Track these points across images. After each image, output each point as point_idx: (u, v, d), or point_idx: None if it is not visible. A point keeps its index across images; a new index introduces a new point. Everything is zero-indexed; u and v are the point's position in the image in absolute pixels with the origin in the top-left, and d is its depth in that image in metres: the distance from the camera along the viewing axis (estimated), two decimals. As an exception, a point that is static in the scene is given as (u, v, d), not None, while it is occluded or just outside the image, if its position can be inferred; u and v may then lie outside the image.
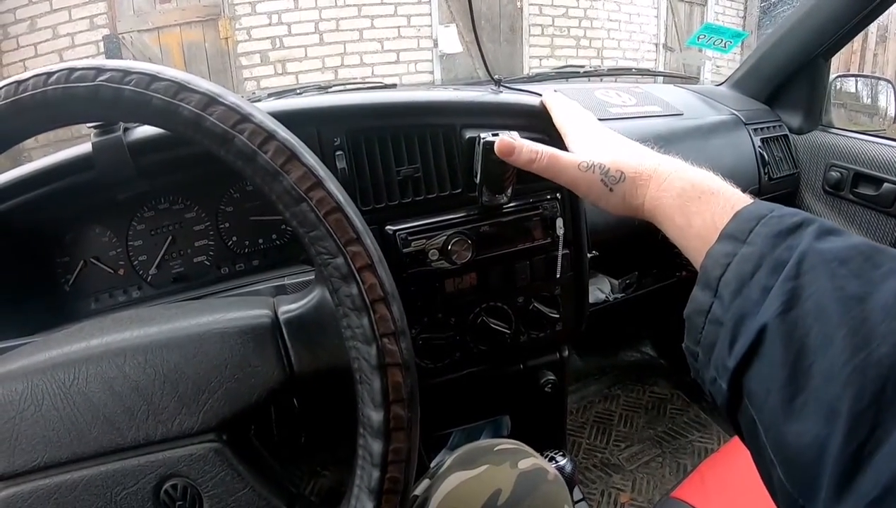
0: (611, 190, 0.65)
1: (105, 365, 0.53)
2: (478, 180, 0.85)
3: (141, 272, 0.91)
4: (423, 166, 0.89)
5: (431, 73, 5.81)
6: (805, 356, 0.40)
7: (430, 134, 0.89)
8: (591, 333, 1.08)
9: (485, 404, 1.14)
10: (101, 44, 4.90)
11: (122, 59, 4.58)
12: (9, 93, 0.51)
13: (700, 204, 0.55)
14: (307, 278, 0.72)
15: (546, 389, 1.08)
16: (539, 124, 0.87)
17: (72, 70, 0.50)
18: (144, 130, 0.79)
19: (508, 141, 0.73)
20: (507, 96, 0.95)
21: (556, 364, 1.10)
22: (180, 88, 0.50)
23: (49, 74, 0.51)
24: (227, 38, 5.19)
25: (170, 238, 0.91)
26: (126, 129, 0.78)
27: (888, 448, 0.34)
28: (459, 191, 0.91)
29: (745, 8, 7.77)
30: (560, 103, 0.83)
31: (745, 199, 0.54)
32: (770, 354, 0.42)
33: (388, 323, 0.50)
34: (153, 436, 0.52)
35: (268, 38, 5.32)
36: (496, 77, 1.01)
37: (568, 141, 0.75)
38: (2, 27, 4.81)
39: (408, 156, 0.89)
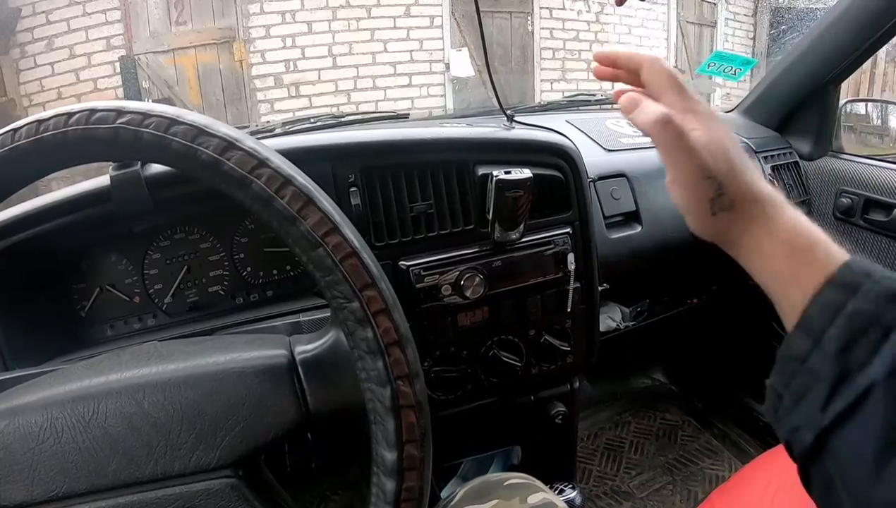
0: (714, 214, 0.54)
1: (124, 401, 0.53)
2: (490, 216, 0.86)
3: (156, 300, 0.92)
4: (437, 202, 0.90)
5: (444, 96, 5.86)
6: None
7: (443, 170, 0.90)
8: (603, 360, 1.08)
9: (495, 434, 1.14)
10: (118, 64, 4.95)
11: (137, 80, 4.65)
12: (30, 133, 0.52)
13: (808, 256, 0.50)
14: (322, 316, 0.72)
15: (556, 420, 1.08)
16: (552, 161, 0.88)
17: (92, 111, 0.51)
18: (160, 166, 0.80)
19: (632, 95, 0.56)
20: (519, 132, 0.96)
21: (566, 395, 1.10)
22: (199, 133, 0.51)
23: (70, 115, 0.51)
24: (241, 61, 5.24)
25: (185, 267, 0.92)
26: (144, 164, 0.79)
27: None
28: (472, 226, 0.92)
29: (755, 31, 7.78)
30: (653, 66, 0.58)
31: (845, 252, 0.50)
32: (869, 417, 0.41)
33: (402, 365, 0.50)
34: (171, 471, 0.53)
35: (282, 60, 5.37)
36: (508, 112, 1.02)
37: (684, 118, 0.55)
38: (20, 46, 4.87)
39: (421, 193, 0.90)
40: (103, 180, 0.79)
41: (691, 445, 2.04)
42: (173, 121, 0.51)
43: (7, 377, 0.75)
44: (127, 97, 4.64)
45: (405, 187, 0.89)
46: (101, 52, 4.98)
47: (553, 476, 1.00)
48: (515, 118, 1.03)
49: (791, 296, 0.50)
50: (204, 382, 0.54)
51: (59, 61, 4.94)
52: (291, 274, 0.95)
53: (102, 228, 0.86)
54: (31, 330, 0.86)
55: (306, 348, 0.57)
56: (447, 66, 5.79)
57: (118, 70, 4.95)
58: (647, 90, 0.58)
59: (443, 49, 5.82)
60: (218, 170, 0.51)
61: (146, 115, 0.51)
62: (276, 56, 5.35)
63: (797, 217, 0.53)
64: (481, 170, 0.90)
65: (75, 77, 4.94)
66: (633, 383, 2.35)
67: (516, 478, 0.81)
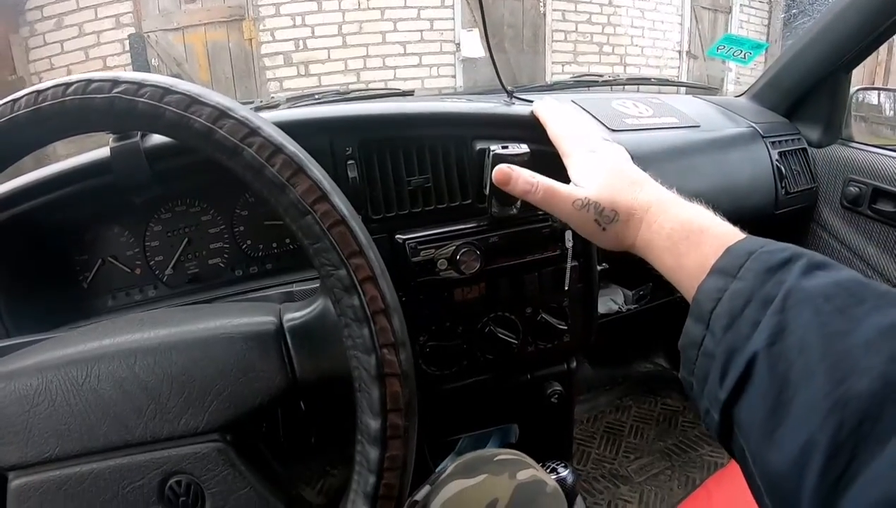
0: (604, 229, 0.66)
1: (116, 365, 0.55)
2: (487, 191, 0.86)
3: (157, 272, 0.93)
4: (434, 176, 0.90)
5: (454, 77, 5.82)
6: (787, 388, 0.41)
7: (441, 145, 0.90)
8: (604, 344, 1.08)
9: (492, 412, 1.15)
10: (127, 42, 4.95)
11: (146, 57, 4.65)
12: (29, 102, 0.53)
13: (689, 243, 0.57)
14: (314, 286, 0.73)
15: (552, 399, 1.08)
16: (549, 137, 0.87)
17: (89, 81, 0.52)
18: (162, 137, 0.80)
19: (506, 170, 0.71)
20: (518, 108, 0.95)
21: (563, 375, 1.10)
22: (192, 101, 0.51)
23: (67, 85, 0.52)
24: (250, 40, 5.23)
25: (186, 240, 0.93)
26: (143, 135, 0.79)
27: (863, 480, 0.35)
28: (469, 201, 0.92)
29: (770, 17, 7.70)
30: (555, 116, 0.82)
31: (736, 235, 0.55)
32: (757, 386, 0.44)
33: (388, 334, 0.51)
34: (160, 434, 0.54)
35: (291, 39, 5.35)
36: (509, 88, 1.02)
37: (566, 162, 0.74)
38: (29, 24, 4.89)
39: (419, 167, 0.90)
40: (103, 152, 0.79)
41: (691, 431, 2.05)
42: (167, 91, 0.52)
43: (6, 344, 0.76)
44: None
45: (403, 161, 0.89)
46: (110, 29, 4.99)
47: (549, 455, 1.00)
48: (519, 95, 1.02)
49: (684, 285, 0.57)
50: (193, 347, 0.55)
51: (68, 39, 4.96)
52: (290, 247, 0.96)
53: (103, 200, 0.87)
54: (34, 301, 0.87)
55: (294, 315, 0.58)
56: (457, 46, 5.75)
57: (127, 48, 4.94)
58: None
59: (453, 29, 5.78)
60: (210, 138, 0.51)
61: (141, 85, 0.52)
62: (285, 34, 5.33)
63: (682, 213, 0.60)
64: (479, 145, 0.90)
65: (84, 55, 4.96)
66: (634, 367, 2.35)
67: (506, 454, 0.82)
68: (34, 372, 0.55)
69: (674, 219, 0.60)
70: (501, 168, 0.72)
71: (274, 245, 0.96)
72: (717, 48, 1.73)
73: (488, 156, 0.80)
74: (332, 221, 0.51)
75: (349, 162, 0.86)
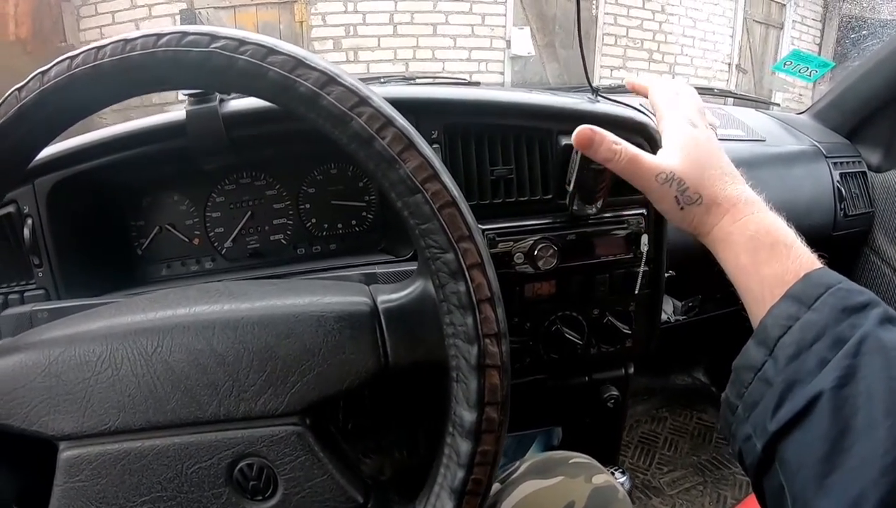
0: (681, 208, 0.62)
1: (191, 337, 0.52)
2: (570, 188, 0.83)
3: (216, 244, 0.92)
4: (517, 168, 0.88)
5: (502, 73, 5.78)
6: (849, 435, 0.41)
7: (525, 136, 0.88)
8: (648, 352, 1.06)
9: (541, 413, 1.12)
10: (178, 17, 4.99)
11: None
12: (115, 51, 0.48)
13: (771, 253, 0.55)
14: (399, 269, 0.71)
15: (608, 404, 1.06)
16: (636, 139, 0.85)
17: (184, 33, 0.48)
18: (240, 103, 0.79)
19: (588, 132, 0.64)
20: (605, 106, 0.93)
21: (620, 380, 1.08)
22: (298, 63, 0.48)
23: (160, 35, 0.48)
24: (301, 22, 5.24)
25: (249, 213, 0.92)
26: (221, 100, 0.78)
27: None
28: (550, 197, 0.89)
29: (822, 36, 7.57)
30: (661, 82, 0.75)
31: (814, 262, 0.53)
32: (815, 425, 0.43)
33: (492, 324, 0.48)
34: (234, 413, 0.51)
35: (342, 24, 5.34)
36: (595, 85, 1.00)
37: (660, 126, 0.68)
38: (82, -9, 4.94)
39: (502, 157, 0.88)
40: (178, 114, 0.78)
41: (725, 449, 2.02)
42: (271, 50, 0.48)
43: (63, 305, 0.75)
44: (186, 49, 4.69)
45: (487, 149, 0.87)
46: (162, 3, 5.03)
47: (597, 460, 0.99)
48: (605, 94, 1.01)
49: (754, 292, 0.55)
50: (279, 324, 0.52)
51: (119, 10, 5.01)
52: (357, 229, 0.94)
53: (171, 164, 0.86)
54: (87, 263, 0.86)
55: (390, 297, 0.54)
56: (508, 43, 5.71)
57: (178, 22, 4.97)
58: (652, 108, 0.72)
59: (505, 26, 5.73)
60: (316, 104, 0.48)
61: (242, 42, 0.48)
62: (336, 20, 5.33)
63: (770, 220, 0.58)
64: (564, 141, 0.87)
65: (135, 27, 4.99)
66: (672, 380, 2.32)
67: (579, 457, 0.81)
68: (98, 337, 0.52)
69: (760, 223, 0.57)
70: (583, 129, 0.65)
71: (339, 225, 0.94)
72: (784, 63, 1.71)
73: (576, 153, 0.78)
74: (443, 202, 0.48)
75: (434, 145, 0.83)
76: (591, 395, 1.07)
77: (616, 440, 1.25)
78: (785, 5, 7.22)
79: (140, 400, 0.51)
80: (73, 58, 0.49)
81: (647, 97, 0.74)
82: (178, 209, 0.91)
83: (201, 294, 0.56)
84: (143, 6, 5.00)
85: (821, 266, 0.53)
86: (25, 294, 0.84)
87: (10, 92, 0.50)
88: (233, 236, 0.92)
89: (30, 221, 0.80)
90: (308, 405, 0.51)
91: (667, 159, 0.63)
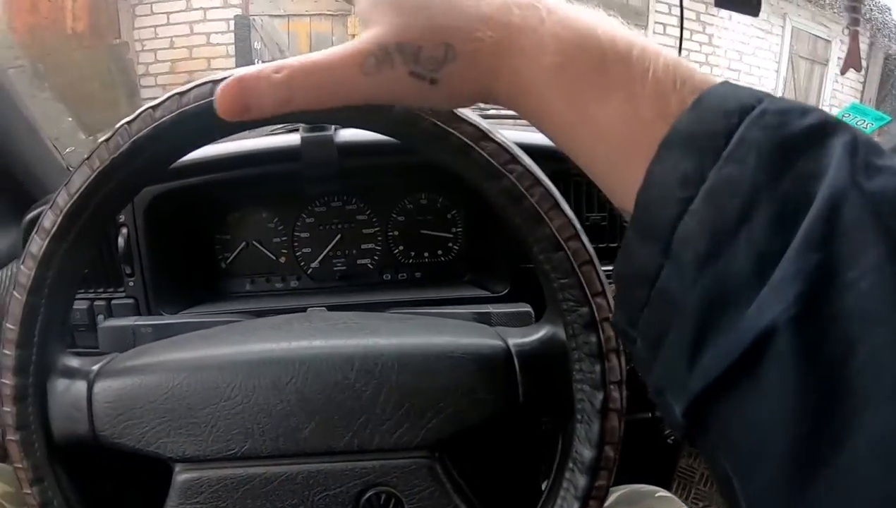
0: (432, 82, 0.33)
1: (328, 369, 0.53)
2: None
3: (302, 263, 0.94)
4: (609, 215, 0.89)
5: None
6: (841, 399, 0.20)
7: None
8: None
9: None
10: (232, 22, 5.06)
11: (250, 39, 4.74)
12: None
13: (610, 76, 0.29)
14: (513, 310, 0.72)
15: (668, 441, 1.07)
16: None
17: None
18: (353, 133, 0.80)
19: (232, 87, 0.34)
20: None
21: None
22: (453, 117, 0.49)
23: None
24: (354, 35, 5.27)
25: (339, 236, 0.93)
26: (336, 129, 0.79)
27: None
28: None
29: (866, 76, 7.51)
30: None
31: (705, 76, 0.28)
32: (772, 385, 0.22)
33: (616, 372, 0.50)
34: (369, 445, 0.52)
35: (394, 39, 5.38)
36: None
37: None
38: (138, -9, 5.03)
39: (598, 202, 0.88)
40: (292, 138, 0.80)
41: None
42: None
43: (168, 322, 0.76)
44: (238, 55, 4.74)
45: (584, 196, 0.88)
46: (217, 7, 5.09)
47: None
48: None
49: (599, 160, 0.32)
50: (417, 362, 0.54)
51: (175, 12, 5.06)
52: (442, 259, 0.95)
53: (272, 185, 0.87)
54: (175, 275, 0.88)
55: (522, 341, 0.56)
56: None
57: (232, 27, 5.05)
58: None
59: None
60: (468, 157, 0.49)
61: None
62: (389, 36, 5.37)
63: (584, 21, 0.31)
64: None
65: (189, 29, 5.06)
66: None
67: (663, 492, 0.82)
68: (227, 365, 0.53)
69: (570, 32, 0.31)
70: (224, 86, 0.34)
71: (426, 254, 0.95)
72: (843, 116, 1.71)
73: None
74: (583, 260, 0.50)
75: None
76: (652, 431, 1.07)
77: (668, 478, 1.26)
78: (830, 42, 7.18)
79: (270, 428, 0.52)
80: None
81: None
82: (266, 226, 0.93)
83: (330, 326, 0.58)
84: (198, 9, 5.06)
85: (718, 80, 0.28)
86: (113, 302, 0.85)
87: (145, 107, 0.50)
88: (321, 257, 0.93)
89: (125, 230, 0.82)
90: (441, 440, 0.53)
91: (365, 34, 0.34)
